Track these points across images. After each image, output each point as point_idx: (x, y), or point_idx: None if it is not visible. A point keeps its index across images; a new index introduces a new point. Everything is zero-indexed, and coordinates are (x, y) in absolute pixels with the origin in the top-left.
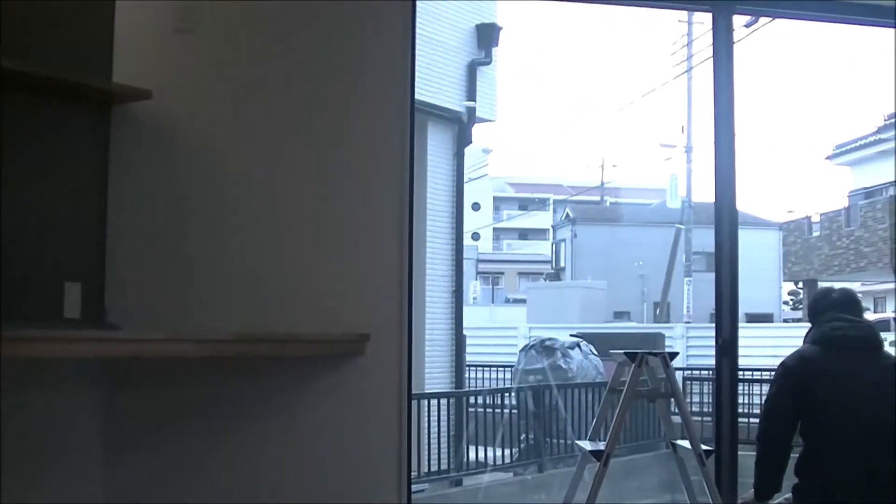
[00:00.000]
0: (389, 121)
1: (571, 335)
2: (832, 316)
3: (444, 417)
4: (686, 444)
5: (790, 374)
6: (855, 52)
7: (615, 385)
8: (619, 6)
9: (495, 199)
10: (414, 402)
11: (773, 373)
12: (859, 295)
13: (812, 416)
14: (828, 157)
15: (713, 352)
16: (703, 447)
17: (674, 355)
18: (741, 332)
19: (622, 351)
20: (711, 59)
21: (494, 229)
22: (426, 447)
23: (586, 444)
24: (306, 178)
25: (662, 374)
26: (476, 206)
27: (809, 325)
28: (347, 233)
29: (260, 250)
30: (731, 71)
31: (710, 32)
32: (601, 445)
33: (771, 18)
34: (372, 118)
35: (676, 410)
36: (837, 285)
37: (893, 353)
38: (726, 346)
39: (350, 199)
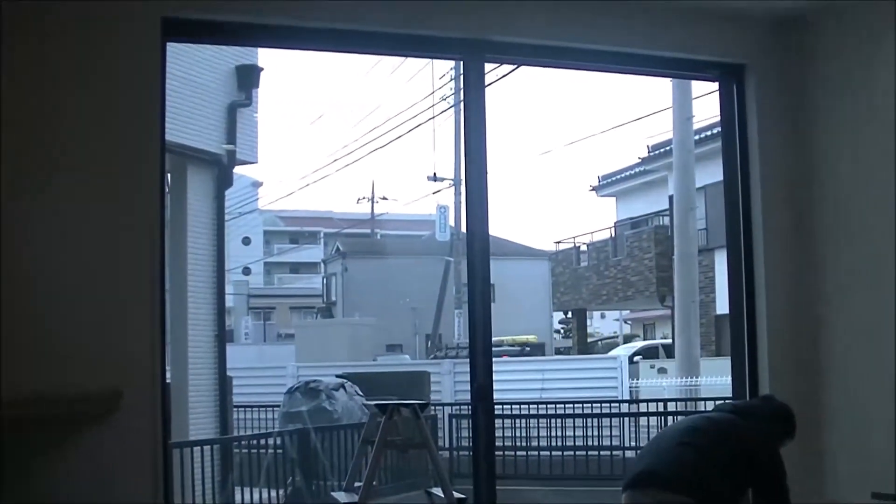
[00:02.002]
0: (139, 166)
1: (337, 376)
2: None
3: (208, 463)
4: (439, 492)
5: None
6: (619, 88)
7: (368, 436)
8: (376, 55)
9: (266, 232)
10: (176, 451)
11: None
12: None
13: None
14: (593, 189)
15: None
16: (457, 495)
17: (424, 406)
18: (516, 367)
19: (373, 403)
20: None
21: (266, 263)
22: (191, 494)
23: (341, 496)
24: (53, 230)
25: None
26: (247, 241)
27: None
28: (98, 285)
29: (7, 308)
30: (483, 113)
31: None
32: (355, 497)
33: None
34: (121, 164)
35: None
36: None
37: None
38: (481, 390)
39: (100, 250)
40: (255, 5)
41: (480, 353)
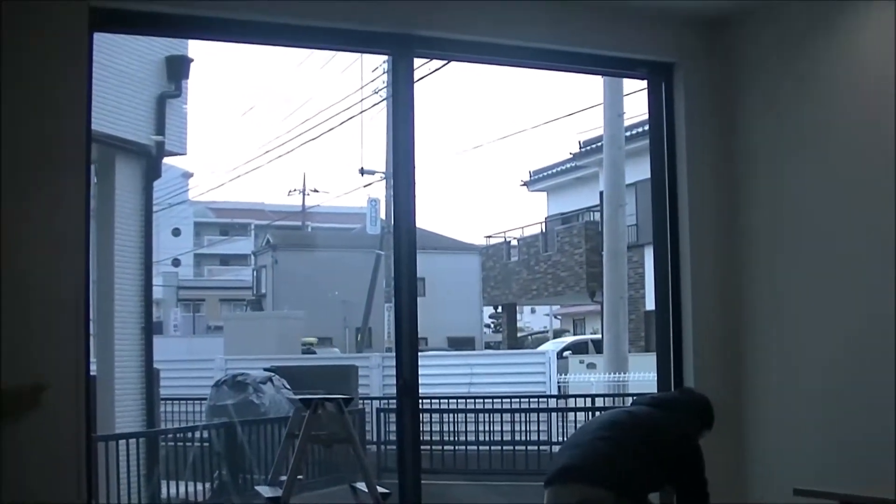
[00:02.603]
0: (64, 157)
1: (264, 369)
2: None
3: (133, 457)
4: (364, 487)
5: None
6: (551, 84)
7: (293, 430)
8: (305, 49)
9: (196, 224)
10: (101, 445)
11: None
12: None
13: None
14: (524, 184)
15: None
16: (381, 490)
17: (349, 401)
18: (444, 361)
19: (297, 397)
20: (391, 98)
21: (196, 255)
22: (116, 488)
23: (266, 490)
24: None
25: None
26: (177, 232)
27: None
28: (20, 277)
29: None
30: (411, 109)
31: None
32: (279, 491)
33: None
34: (47, 155)
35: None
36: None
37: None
38: (407, 386)
39: (23, 241)
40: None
41: (406, 349)
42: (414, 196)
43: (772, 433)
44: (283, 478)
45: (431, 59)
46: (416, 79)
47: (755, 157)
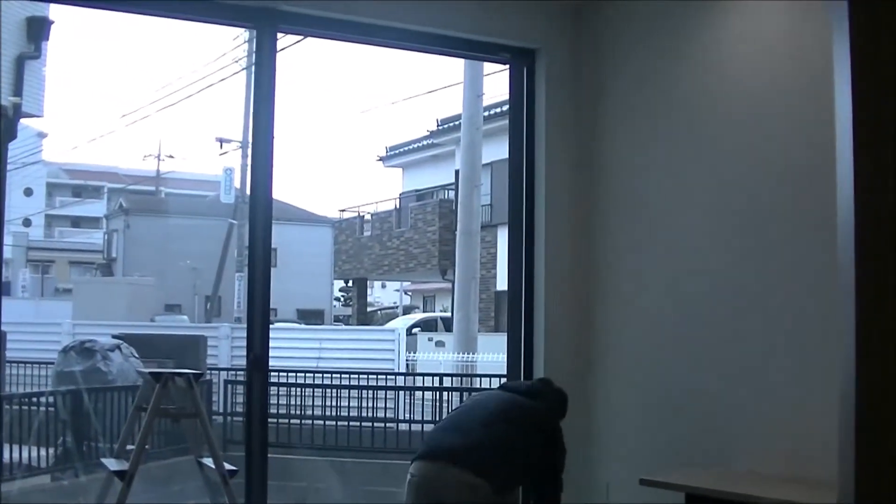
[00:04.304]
0: None
1: (113, 336)
2: None
3: None
4: (211, 463)
5: None
6: (411, 62)
7: (141, 403)
8: (166, 19)
9: (49, 185)
10: None
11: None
12: None
13: None
14: (380, 159)
15: None
16: (228, 467)
17: (199, 376)
18: (293, 335)
19: (146, 371)
20: (253, 72)
21: (47, 216)
22: None
23: (111, 463)
24: None
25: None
26: (29, 192)
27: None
28: None
29: None
30: (273, 83)
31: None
32: (125, 464)
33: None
34: None
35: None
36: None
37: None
38: (258, 360)
39: None
40: None
41: (258, 323)
42: (271, 169)
43: (619, 420)
44: (130, 448)
45: (295, 34)
46: (281, 48)
47: (613, 144)
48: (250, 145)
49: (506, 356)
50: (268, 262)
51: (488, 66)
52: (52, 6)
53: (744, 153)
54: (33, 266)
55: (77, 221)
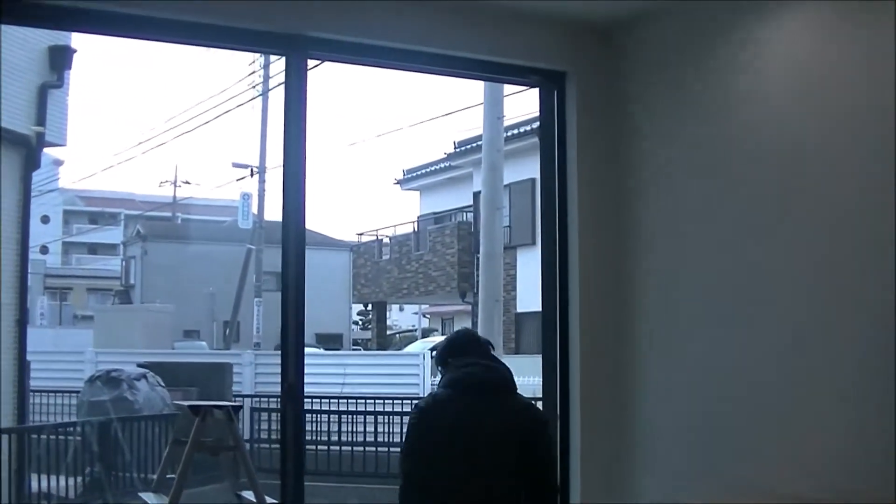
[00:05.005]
0: None
1: (138, 365)
2: (465, 361)
3: (4, 451)
4: (250, 495)
5: (425, 414)
6: (428, 83)
7: (179, 436)
8: (196, 47)
9: (65, 212)
10: None
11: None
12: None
13: (433, 454)
14: (397, 182)
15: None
16: (269, 500)
17: (238, 409)
18: (318, 360)
19: (186, 403)
20: (283, 98)
21: (63, 243)
22: None
23: (150, 497)
24: None
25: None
26: (45, 219)
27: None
28: None
29: None
30: (304, 109)
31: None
32: (165, 499)
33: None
34: None
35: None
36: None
37: (524, 397)
38: (292, 389)
39: None
40: None
41: (292, 352)
42: (304, 195)
43: (658, 441)
44: (170, 476)
45: (325, 60)
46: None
47: (645, 166)
48: (282, 171)
49: (541, 379)
50: (301, 289)
51: (509, 87)
52: (74, 34)
53: (781, 179)
54: (51, 293)
55: (94, 248)
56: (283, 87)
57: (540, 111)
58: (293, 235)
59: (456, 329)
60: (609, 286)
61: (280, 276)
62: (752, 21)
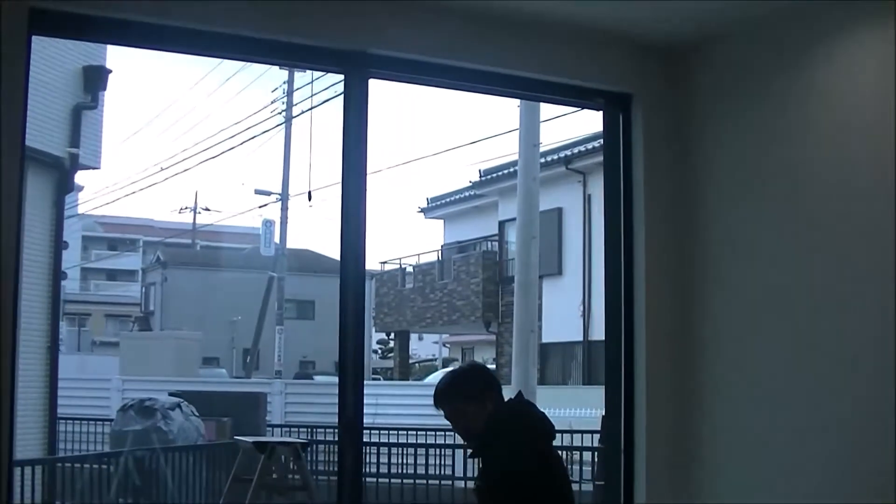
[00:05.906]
0: None
1: (170, 393)
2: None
3: (38, 481)
4: None
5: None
6: (453, 110)
7: (240, 474)
8: (250, 62)
9: (84, 237)
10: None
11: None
12: None
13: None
14: (421, 210)
15: (310, 409)
16: None
17: (306, 445)
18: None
19: (249, 440)
20: (342, 118)
21: (82, 269)
22: None
23: None
24: None
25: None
26: (65, 245)
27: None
28: None
29: None
30: (364, 129)
31: (311, 87)
32: None
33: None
34: None
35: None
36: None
37: None
38: (350, 425)
39: None
40: (127, 4)
41: (350, 388)
42: (364, 223)
43: (726, 480)
44: None
45: (386, 79)
46: (322, 101)
47: (714, 191)
48: (341, 197)
49: (603, 413)
50: (361, 322)
51: (544, 113)
52: (112, 48)
53: (854, 204)
54: (69, 319)
55: (113, 274)
56: (308, 113)
57: (604, 134)
58: (352, 266)
59: (469, 361)
60: (678, 320)
61: (302, 304)
62: (822, 43)
